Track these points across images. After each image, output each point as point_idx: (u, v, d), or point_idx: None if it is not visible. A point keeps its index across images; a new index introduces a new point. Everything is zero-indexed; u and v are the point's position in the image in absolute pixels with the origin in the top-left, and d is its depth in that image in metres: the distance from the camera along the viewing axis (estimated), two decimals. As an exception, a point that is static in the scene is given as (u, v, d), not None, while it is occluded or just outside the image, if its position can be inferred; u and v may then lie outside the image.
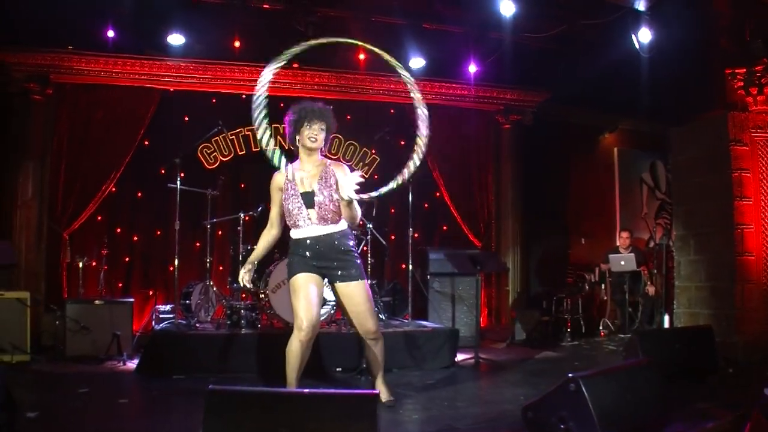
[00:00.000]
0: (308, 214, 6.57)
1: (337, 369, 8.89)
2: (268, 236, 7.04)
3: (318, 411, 4.34)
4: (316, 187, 6.55)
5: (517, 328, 12.56)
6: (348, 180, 6.21)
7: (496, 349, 11.36)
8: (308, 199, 6.56)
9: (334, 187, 6.50)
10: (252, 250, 10.12)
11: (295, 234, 6.71)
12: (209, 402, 4.27)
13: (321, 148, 6.74)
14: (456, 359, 9.72)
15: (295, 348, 6.51)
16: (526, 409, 5.22)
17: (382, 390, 6.85)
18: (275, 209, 6.86)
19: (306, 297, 6.47)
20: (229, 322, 9.75)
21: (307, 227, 6.59)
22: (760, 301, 9.80)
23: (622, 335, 12.64)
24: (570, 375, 4.89)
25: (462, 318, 11.59)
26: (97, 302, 10.10)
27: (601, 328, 13.45)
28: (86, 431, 6.07)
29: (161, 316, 11.04)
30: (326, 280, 6.77)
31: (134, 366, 9.10)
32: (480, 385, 7.78)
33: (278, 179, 6.76)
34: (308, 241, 6.60)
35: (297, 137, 6.73)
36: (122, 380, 8.66)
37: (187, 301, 10.81)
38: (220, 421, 4.25)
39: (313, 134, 6.63)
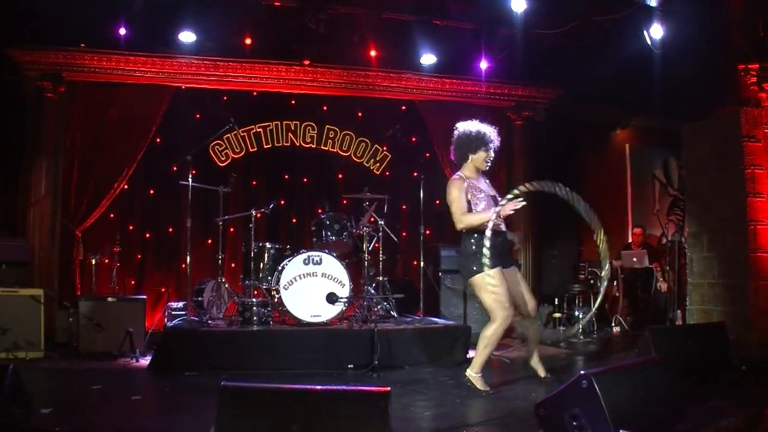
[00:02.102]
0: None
1: (350, 366, 8.87)
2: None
3: (331, 408, 4.34)
4: (494, 194, 7.72)
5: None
6: (511, 206, 7.20)
7: (507, 345, 11.33)
8: (494, 203, 7.55)
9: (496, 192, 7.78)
10: (263, 247, 10.19)
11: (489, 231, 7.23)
12: (222, 398, 4.28)
13: None
14: (468, 356, 9.70)
15: (500, 333, 7.43)
16: (538, 406, 5.21)
17: (541, 369, 7.95)
18: (462, 203, 7.50)
19: (507, 289, 7.38)
20: (241, 319, 9.75)
21: (489, 227, 7.14)
22: (774, 298, 9.76)
23: (635, 332, 12.61)
24: (582, 372, 4.88)
25: (474, 315, 11.57)
26: (109, 299, 10.14)
27: (613, 324, 13.42)
28: (100, 427, 6.07)
29: (173, 313, 11.07)
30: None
31: (147, 363, 9.11)
32: (492, 381, 7.75)
33: (461, 184, 7.56)
34: (492, 238, 7.11)
35: (470, 154, 7.66)
36: (135, 377, 8.68)
37: (200, 298, 10.83)
38: (233, 417, 4.25)
39: (489, 159, 7.69)
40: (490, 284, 7.27)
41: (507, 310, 7.32)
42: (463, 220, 7.43)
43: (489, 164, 7.68)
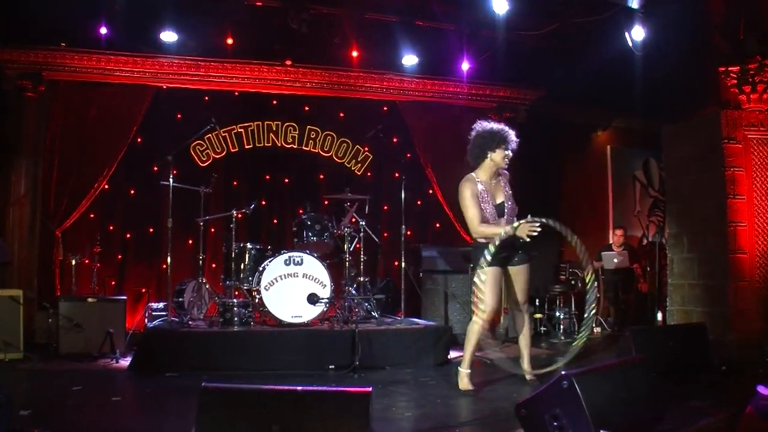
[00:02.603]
0: (500, 221, 7.63)
1: (331, 367, 8.88)
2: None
3: (311, 408, 4.34)
4: (504, 199, 7.76)
5: (510, 325, 12.56)
6: (527, 228, 7.28)
7: (489, 346, 11.35)
8: (500, 209, 7.70)
9: (511, 193, 7.88)
10: (244, 247, 10.17)
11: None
12: (202, 399, 4.27)
13: None
14: (449, 356, 9.73)
15: (476, 328, 7.64)
16: (519, 407, 5.22)
17: (528, 367, 8.05)
18: (477, 210, 7.58)
19: (494, 288, 7.59)
20: (221, 320, 9.74)
21: (500, 227, 7.44)
22: (753, 299, 9.80)
23: (616, 332, 12.66)
24: (563, 372, 4.89)
25: (455, 315, 11.61)
26: (90, 300, 10.10)
27: (594, 325, 13.45)
28: (79, 429, 6.05)
29: (154, 313, 11.04)
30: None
31: (127, 364, 9.09)
32: (473, 382, 7.77)
33: (472, 187, 7.64)
34: (498, 239, 7.30)
35: (489, 152, 7.67)
36: (115, 378, 8.65)
37: (180, 299, 10.81)
38: (213, 418, 4.24)
39: (508, 158, 7.73)
40: (481, 281, 7.45)
41: (486, 310, 7.49)
42: (478, 231, 7.56)
43: (508, 163, 7.75)
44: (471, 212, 7.53)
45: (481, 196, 7.56)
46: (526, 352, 8.00)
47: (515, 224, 7.31)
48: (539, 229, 7.29)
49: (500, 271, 7.65)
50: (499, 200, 7.69)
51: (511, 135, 7.66)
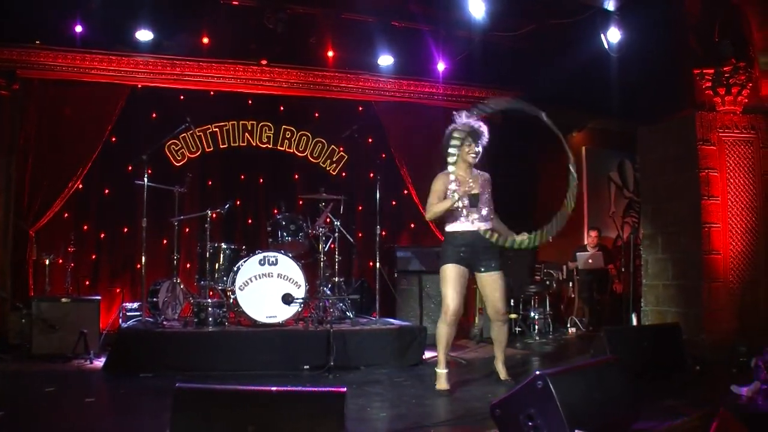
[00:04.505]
0: (470, 213, 7.52)
1: (305, 367, 8.86)
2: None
3: (286, 409, 4.33)
4: (480, 192, 7.69)
5: (484, 326, 12.57)
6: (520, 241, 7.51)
7: (463, 346, 11.37)
8: (474, 200, 7.63)
9: (488, 193, 7.81)
10: (218, 247, 10.15)
11: (452, 227, 7.70)
12: (177, 400, 4.25)
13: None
14: (424, 357, 9.73)
15: (442, 330, 7.59)
16: (494, 407, 5.22)
17: (501, 371, 8.01)
18: (436, 200, 7.67)
19: (454, 286, 7.52)
20: (196, 320, 9.73)
21: (465, 223, 7.53)
22: (727, 299, 9.86)
23: (590, 333, 12.70)
24: (537, 372, 4.90)
25: (430, 315, 11.61)
26: (63, 300, 10.03)
27: (568, 325, 13.51)
28: (53, 430, 6.02)
29: (128, 313, 11.01)
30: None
31: (101, 364, 9.04)
32: (448, 382, 7.79)
33: (444, 179, 7.69)
34: (463, 235, 7.54)
35: (458, 148, 7.62)
36: (89, 379, 8.61)
37: (155, 299, 10.78)
38: (187, 419, 4.22)
39: (473, 152, 7.71)
40: (441, 279, 7.58)
41: (446, 309, 7.53)
42: (429, 209, 7.65)
43: (475, 157, 7.72)
44: (429, 200, 7.67)
45: (454, 188, 7.55)
46: (500, 354, 8.00)
47: (517, 237, 7.52)
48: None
49: (459, 269, 7.60)
50: (475, 192, 7.65)
51: (480, 130, 7.66)
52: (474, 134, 7.62)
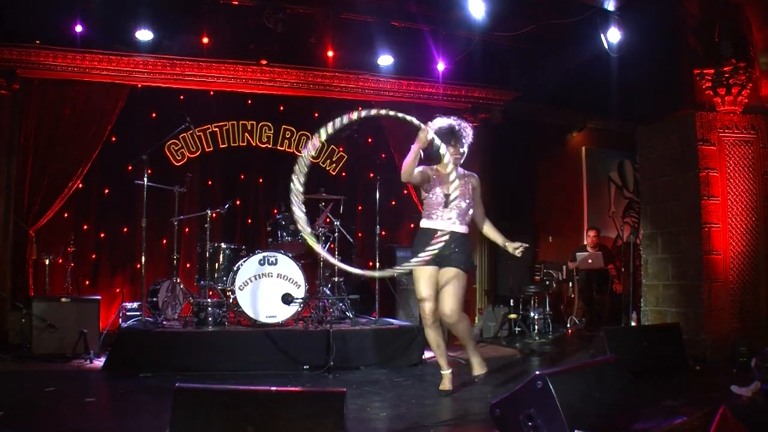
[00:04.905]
0: (443, 213, 7.40)
1: (305, 367, 8.87)
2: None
3: (285, 409, 4.33)
4: (458, 194, 7.28)
5: (484, 325, 12.59)
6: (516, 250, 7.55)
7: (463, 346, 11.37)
8: (449, 201, 7.38)
9: (469, 195, 7.55)
10: (218, 247, 10.13)
11: (425, 224, 7.54)
12: (176, 400, 4.25)
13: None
14: (424, 357, 9.73)
15: (429, 335, 7.54)
16: (493, 407, 5.22)
17: (473, 364, 7.76)
18: (417, 169, 7.45)
19: (426, 287, 7.38)
20: (196, 320, 9.72)
21: (439, 222, 7.38)
22: (727, 299, 9.86)
23: (590, 333, 12.70)
24: (537, 372, 4.90)
25: (430, 316, 11.59)
26: (63, 300, 10.03)
27: (568, 325, 13.50)
28: (53, 430, 6.01)
29: (128, 313, 10.99)
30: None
31: (101, 364, 9.03)
32: (452, 383, 7.78)
33: (429, 171, 7.57)
34: (435, 233, 7.10)
35: (441, 148, 7.16)
36: (89, 378, 8.60)
37: (154, 299, 10.77)
38: (187, 418, 4.23)
39: (457, 154, 7.49)
40: (414, 280, 7.56)
41: (423, 312, 7.46)
42: (402, 167, 7.40)
43: (459, 159, 7.54)
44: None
45: (432, 182, 7.49)
46: (467, 349, 7.83)
47: (511, 244, 7.53)
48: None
49: (429, 269, 7.37)
50: (451, 191, 7.29)
51: (460, 132, 7.51)
52: (455, 135, 7.47)
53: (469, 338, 7.75)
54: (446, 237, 6.77)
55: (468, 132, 7.60)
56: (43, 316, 9.65)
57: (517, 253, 7.48)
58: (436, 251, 6.65)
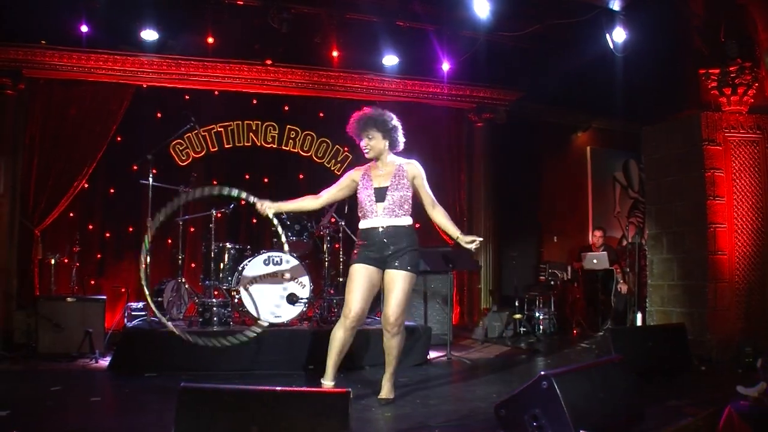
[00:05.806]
0: (376, 208, 7.10)
1: (310, 367, 8.86)
2: (309, 200, 7.72)
3: (290, 409, 4.32)
4: (388, 184, 7.13)
5: (489, 325, 12.58)
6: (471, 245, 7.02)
7: (468, 346, 11.37)
8: (379, 194, 7.12)
9: (406, 185, 7.24)
10: (223, 247, 10.11)
11: (361, 224, 7.20)
12: (181, 400, 4.25)
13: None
14: (428, 357, 9.74)
15: (338, 334, 7.07)
16: (498, 407, 5.22)
17: (383, 387, 7.20)
18: (335, 190, 7.52)
19: (358, 288, 7.00)
20: (201, 320, 9.70)
21: (374, 219, 7.09)
22: (733, 299, 9.85)
23: (595, 333, 12.69)
24: (542, 372, 4.90)
25: (434, 316, 11.58)
26: (69, 299, 10.03)
27: (573, 326, 13.48)
28: (58, 429, 6.01)
29: (133, 313, 10.98)
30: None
31: (107, 364, 9.04)
32: (452, 382, 7.79)
33: (354, 174, 7.42)
34: (369, 232, 7.07)
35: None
36: (94, 378, 8.61)
37: (160, 299, 10.76)
38: (192, 418, 4.22)
39: (364, 146, 7.31)
40: (348, 279, 7.12)
41: (347, 311, 6.99)
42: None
43: (366, 152, 7.35)
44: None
45: (362, 183, 7.29)
46: (387, 368, 7.28)
47: (464, 237, 7.08)
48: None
49: (366, 270, 7.02)
50: (382, 185, 7.16)
51: (360, 123, 7.30)
52: (362, 126, 7.28)
53: (398, 358, 7.25)
54: (381, 230, 6.93)
55: (385, 118, 7.32)
56: (49, 316, 9.65)
57: (472, 247, 7.01)
58: None
